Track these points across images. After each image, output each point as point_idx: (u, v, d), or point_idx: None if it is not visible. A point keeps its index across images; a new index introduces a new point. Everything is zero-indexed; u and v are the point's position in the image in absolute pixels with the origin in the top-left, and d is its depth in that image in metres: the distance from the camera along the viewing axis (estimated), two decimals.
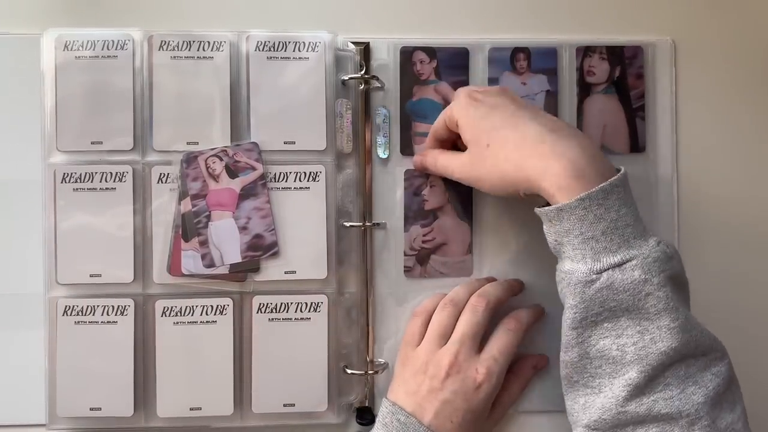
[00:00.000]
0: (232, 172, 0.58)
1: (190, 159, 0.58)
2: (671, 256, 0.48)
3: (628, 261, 0.47)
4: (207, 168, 0.58)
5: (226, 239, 0.59)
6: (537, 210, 0.51)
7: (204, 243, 0.58)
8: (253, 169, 0.58)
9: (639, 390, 0.47)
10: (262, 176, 0.58)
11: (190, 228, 0.58)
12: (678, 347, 0.47)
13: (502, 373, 0.57)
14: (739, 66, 0.63)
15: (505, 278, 0.61)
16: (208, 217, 0.58)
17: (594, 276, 0.48)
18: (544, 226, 0.51)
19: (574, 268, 0.49)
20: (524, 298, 0.62)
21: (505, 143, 0.52)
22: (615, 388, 0.48)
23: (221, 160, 0.58)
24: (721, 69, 0.62)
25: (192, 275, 0.58)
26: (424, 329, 0.59)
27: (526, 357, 0.62)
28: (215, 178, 0.58)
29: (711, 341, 0.49)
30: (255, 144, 0.59)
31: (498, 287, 0.59)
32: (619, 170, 0.50)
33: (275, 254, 0.59)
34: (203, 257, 0.57)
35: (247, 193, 0.59)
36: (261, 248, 0.59)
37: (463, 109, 0.55)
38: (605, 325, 0.48)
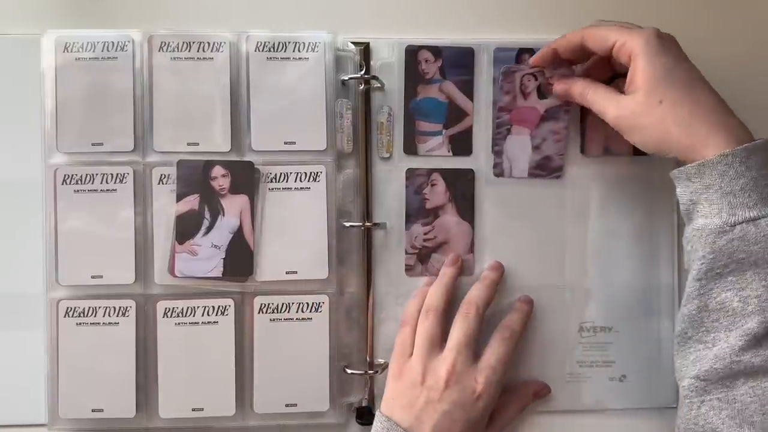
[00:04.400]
0: (542, 93, 0.60)
1: (508, 73, 0.60)
2: None
3: (763, 217, 0.47)
4: (521, 84, 0.60)
5: (519, 154, 0.61)
6: (675, 170, 0.51)
7: (499, 153, 0.61)
8: None
9: (757, 341, 0.47)
10: (568, 103, 0.60)
11: (184, 230, 0.59)
12: None
13: (500, 383, 0.57)
14: (739, 66, 0.63)
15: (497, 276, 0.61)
16: (509, 131, 0.61)
17: (727, 228, 0.48)
18: (679, 188, 0.52)
19: (708, 222, 0.49)
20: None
21: (680, 105, 0.51)
22: (731, 339, 0.48)
23: (536, 79, 0.60)
24: (721, 69, 0.62)
25: (185, 277, 0.59)
26: (413, 338, 0.58)
27: (529, 382, 0.62)
28: (525, 95, 0.60)
29: None
30: (572, 70, 0.60)
31: (483, 290, 0.59)
32: None
33: (558, 177, 0.62)
34: (495, 166, 0.61)
35: (549, 115, 0.61)
36: (547, 169, 0.62)
37: (650, 48, 0.52)
38: (730, 278, 0.48)
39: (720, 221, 0.48)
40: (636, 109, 0.52)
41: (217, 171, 0.59)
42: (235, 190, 0.59)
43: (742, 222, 0.48)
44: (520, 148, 0.62)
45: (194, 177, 0.59)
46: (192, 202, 0.59)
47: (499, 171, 0.62)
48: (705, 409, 0.48)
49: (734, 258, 0.48)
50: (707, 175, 0.49)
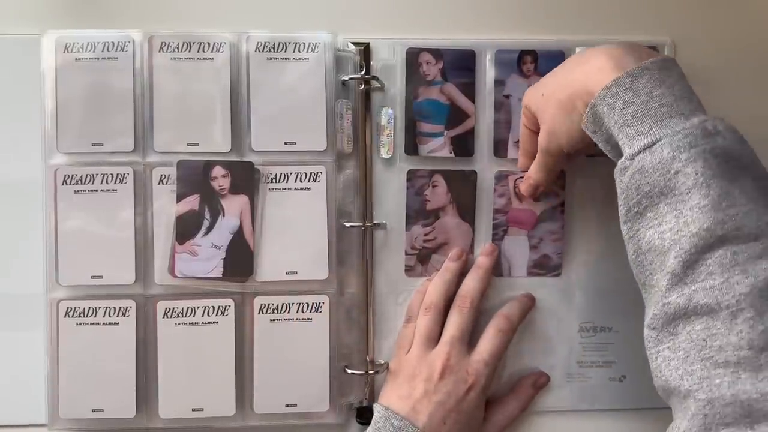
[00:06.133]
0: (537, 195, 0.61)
1: (501, 177, 0.61)
2: (714, 133, 0.44)
3: (657, 141, 0.44)
4: (514, 187, 0.61)
5: (517, 254, 0.62)
6: (583, 128, 0.49)
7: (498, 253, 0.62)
8: (557, 195, 0.61)
9: (678, 278, 0.43)
10: (562, 203, 0.62)
11: (184, 231, 0.59)
12: (711, 227, 0.42)
13: (491, 374, 0.58)
14: (739, 66, 0.63)
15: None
16: (506, 232, 0.61)
17: (627, 162, 0.46)
18: (600, 144, 0.49)
19: (618, 162, 0.47)
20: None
21: (552, 78, 0.53)
22: (661, 280, 0.45)
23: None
24: (721, 69, 0.62)
25: (185, 278, 0.59)
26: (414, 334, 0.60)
27: (527, 375, 0.62)
28: (520, 198, 0.61)
29: (764, 224, 0.43)
30: (562, 172, 0.61)
31: (477, 281, 0.60)
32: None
33: (557, 275, 0.62)
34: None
35: (546, 216, 0.62)
36: (546, 267, 0.62)
37: (525, 94, 0.57)
38: (648, 215, 0.45)
39: (623, 157, 0.46)
40: (542, 122, 0.54)
41: (217, 171, 0.59)
42: (235, 190, 0.59)
43: (639, 152, 0.45)
44: (518, 247, 0.62)
45: (194, 177, 0.59)
46: (192, 202, 0.59)
47: (498, 272, 0.62)
48: (660, 361, 0.44)
49: (642, 192, 0.45)
50: (603, 115, 0.47)
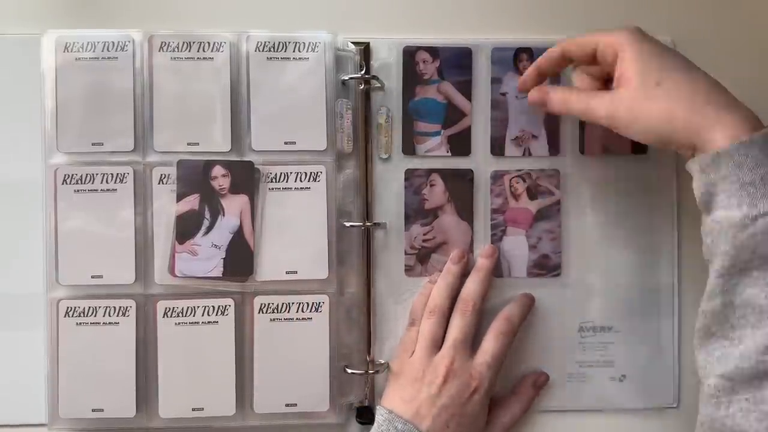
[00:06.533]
0: (533, 194, 0.62)
1: (496, 176, 0.61)
2: None
3: None
4: (510, 186, 0.62)
5: (517, 253, 0.62)
6: (690, 162, 0.49)
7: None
8: (552, 194, 0.62)
9: None
10: (558, 201, 0.62)
11: (184, 230, 0.59)
12: None
13: (494, 377, 0.58)
14: (739, 66, 0.63)
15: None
16: (504, 232, 0.62)
17: (748, 222, 0.45)
18: (695, 179, 0.49)
19: (728, 215, 0.46)
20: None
21: (680, 84, 0.49)
22: (758, 337, 0.45)
23: (524, 181, 0.62)
24: (721, 69, 0.62)
25: (185, 277, 0.59)
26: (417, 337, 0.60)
27: (526, 376, 0.62)
28: (516, 197, 0.62)
29: None
30: (557, 171, 0.62)
31: (478, 284, 0.60)
32: None
33: (557, 275, 0.62)
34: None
35: (542, 215, 0.62)
36: (546, 267, 0.62)
37: (634, 42, 0.51)
38: (754, 273, 0.46)
39: (741, 214, 0.45)
40: (634, 95, 0.50)
41: (217, 171, 0.59)
42: (235, 190, 0.59)
43: (765, 215, 0.45)
44: (517, 247, 0.62)
45: (194, 177, 0.59)
46: (192, 202, 0.59)
47: (498, 273, 0.62)
48: (733, 410, 0.45)
49: (758, 253, 0.45)
50: (724, 165, 0.46)
